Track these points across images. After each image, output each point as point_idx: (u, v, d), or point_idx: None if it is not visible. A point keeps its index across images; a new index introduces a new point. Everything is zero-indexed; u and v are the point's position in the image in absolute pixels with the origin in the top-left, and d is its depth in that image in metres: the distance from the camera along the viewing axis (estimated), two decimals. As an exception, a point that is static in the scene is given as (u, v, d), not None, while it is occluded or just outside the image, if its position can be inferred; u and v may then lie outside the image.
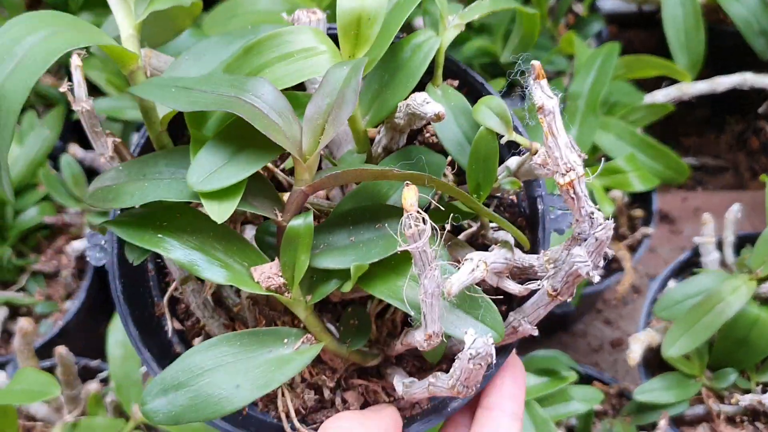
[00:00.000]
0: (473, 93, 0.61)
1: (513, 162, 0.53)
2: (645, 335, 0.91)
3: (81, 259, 1.23)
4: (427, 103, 0.49)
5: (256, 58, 0.49)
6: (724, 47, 1.21)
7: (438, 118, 0.49)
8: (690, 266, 1.04)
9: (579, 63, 1.04)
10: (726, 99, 1.17)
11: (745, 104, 1.48)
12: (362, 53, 0.48)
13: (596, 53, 1.02)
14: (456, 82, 0.61)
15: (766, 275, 0.87)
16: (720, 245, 0.99)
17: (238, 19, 1.11)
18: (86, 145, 1.32)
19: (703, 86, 1.08)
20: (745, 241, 0.99)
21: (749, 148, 1.40)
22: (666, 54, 1.60)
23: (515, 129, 0.52)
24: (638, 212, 1.04)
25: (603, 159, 0.80)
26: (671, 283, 1.01)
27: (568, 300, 0.48)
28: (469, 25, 1.28)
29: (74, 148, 1.23)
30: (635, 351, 0.88)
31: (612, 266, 1.06)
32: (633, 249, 1.04)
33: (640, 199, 1.07)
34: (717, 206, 1.37)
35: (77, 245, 1.16)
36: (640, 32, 1.63)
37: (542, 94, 0.42)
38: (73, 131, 1.44)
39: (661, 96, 1.09)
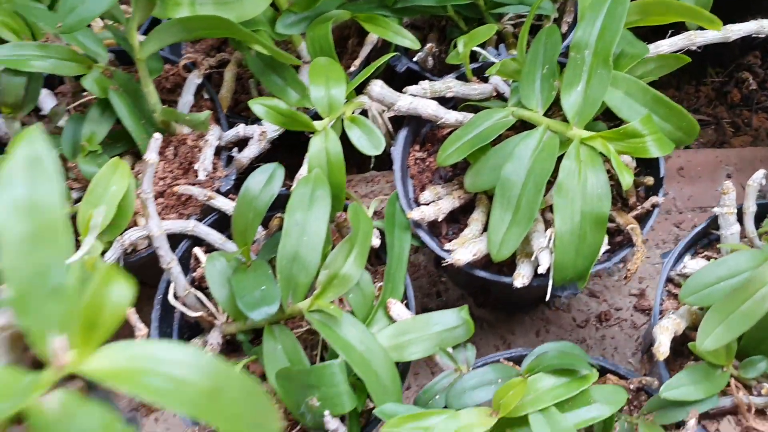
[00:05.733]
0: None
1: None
2: (671, 323, 0.80)
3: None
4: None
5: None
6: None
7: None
8: (702, 238, 0.94)
9: (583, 6, 0.89)
10: (706, 48, 1.06)
11: (726, 54, 1.39)
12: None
13: (604, -6, 0.87)
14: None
15: (807, 253, 0.77)
16: (740, 216, 0.89)
17: None
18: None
19: (714, 35, 0.96)
20: (763, 211, 0.90)
21: (731, 101, 1.31)
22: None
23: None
24: (649, 179, 0.92)
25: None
26: (687, 260, 0.90)
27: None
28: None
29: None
30: (664, 344, 0.77)
31: (615, 240, 0.94)
32: (640, 220, 0.92)
33: (644, 164, 0.95)
34: (701, 165, 1.28)
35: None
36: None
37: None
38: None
39: (667, 46, 0.96)
